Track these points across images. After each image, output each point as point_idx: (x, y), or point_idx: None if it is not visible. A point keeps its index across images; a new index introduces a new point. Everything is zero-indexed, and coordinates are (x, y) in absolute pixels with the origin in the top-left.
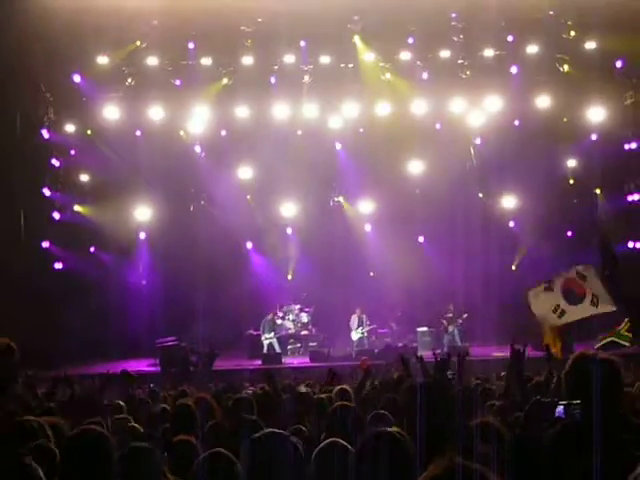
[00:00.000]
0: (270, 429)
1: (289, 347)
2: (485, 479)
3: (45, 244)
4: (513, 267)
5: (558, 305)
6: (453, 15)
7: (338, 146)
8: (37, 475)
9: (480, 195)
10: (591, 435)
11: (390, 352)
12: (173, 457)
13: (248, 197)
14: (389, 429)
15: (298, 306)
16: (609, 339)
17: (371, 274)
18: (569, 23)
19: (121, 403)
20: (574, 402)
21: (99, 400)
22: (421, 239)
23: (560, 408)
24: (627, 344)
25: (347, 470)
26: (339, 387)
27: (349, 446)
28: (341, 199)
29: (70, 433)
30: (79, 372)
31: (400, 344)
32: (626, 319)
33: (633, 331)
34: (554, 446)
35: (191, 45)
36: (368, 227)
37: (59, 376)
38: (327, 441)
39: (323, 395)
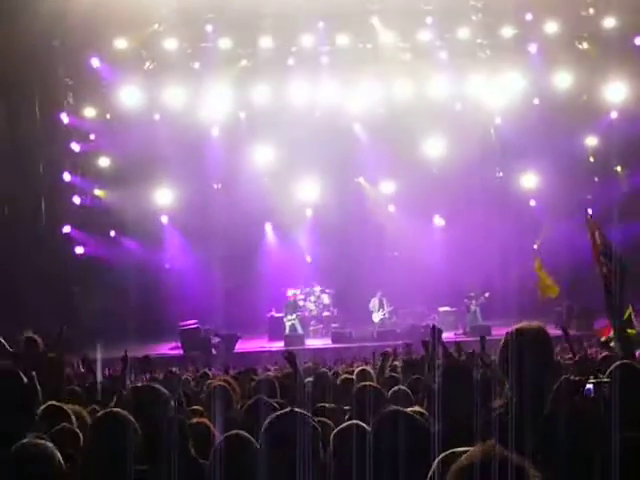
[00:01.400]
0: (288, 408)
1: (311, 328)
2: (522, 472)
3: (66, 229)
4: (535, 246)
5: None
6: None
7: (357, 127)
8: (55, 459)
9: (500, 174)
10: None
11: (414, 332)
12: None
13: (265, 179)
14: (402, 408)
15: (320, 287)
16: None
17: (395, 254)
18: (588, 0)
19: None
20: (604, 380)
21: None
22: (441, 219)
23: (590, 386)
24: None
25: (365, 451)
26: (360, 368)
27: (367, 427)
28: (361, 180)
29: (96, 416)
30: (101, 356)
31: (424, 324)
32: (629, 306)
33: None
34: (582, 423)
35: (209, 27)
36: (391, 208)
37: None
38: (345, 423)
39: (345, 376)
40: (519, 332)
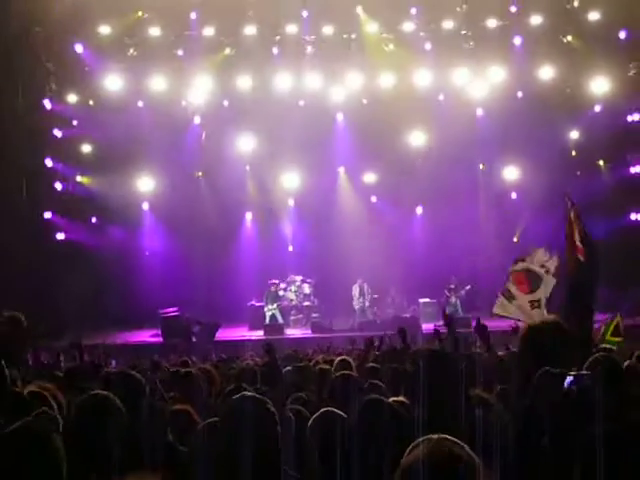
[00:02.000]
0: (242, 393)
1: (291, 318)
2: (471, 467)
3: (47, 215)
4: (515, 239)
5: (532, 301)
6: None
7: (340, 117)
8: (58, 446)
9: (481, 166)
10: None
11: (397, 323)
12: (170, 426)
13: (247, 168)
14: (380, 397)
15: (300, 277)
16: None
17: (375, 245)
18: None
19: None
20: (584, 372)
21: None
22: (422, 210)
23: (570, 378)
24: (614, 348)
25: (342, 438)
26: (340, 358)
27: (344, 415)
28: (342, 170)
29: (80, 399)
30: (82, 342)
31: (407, 315)
32: (617, 315)
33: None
34: (565, 415)
35: (193, 15)
36: (373, 198)
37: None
38: (321, 410)
39: (325, 365)
40: (538, 326)
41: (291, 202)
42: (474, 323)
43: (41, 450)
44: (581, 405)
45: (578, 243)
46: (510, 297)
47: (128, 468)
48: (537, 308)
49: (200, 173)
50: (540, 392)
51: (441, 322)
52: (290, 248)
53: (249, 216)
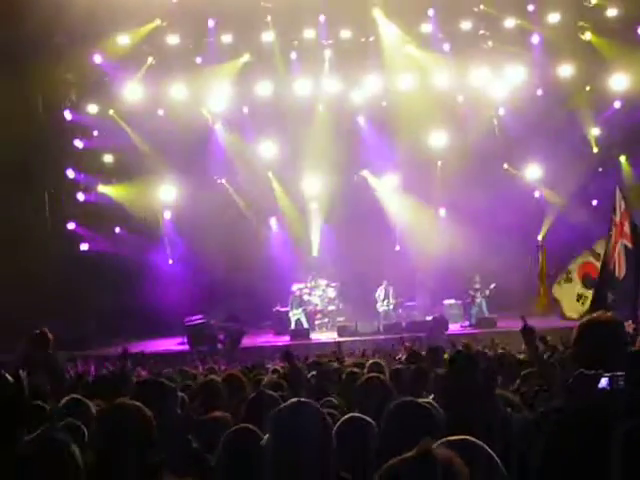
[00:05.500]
0: (297, 398)
1: (317, 322)
2: (451, 473)
3: (70, 225)
4: (539, 237)
5: (580, 294)
6: None
7: (361, 120)
8: (75, 456)
9: (505, 166)
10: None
11: (438, 324)
12: (206, 433)
13: (269, 174)
14: (414, 399)
15: (325, 281)
16: None
17: (397, 248)
18: None
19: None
20: (618, 373)
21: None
22: (442, 212)
23: (605, 379)
24: None
25: (367, 443)
26: (372, 361)
27: (369, 419)
28: (365, 173)
29: (104, 407)
30: (107, 353)
31: (436, 315)
32: None
33: None
34: (598, 417)
35: (211, 22)
36: (396, 200)
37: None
38: (346, 416)
39: (356, 369)
40: (596, 323)
41: (314, 206)
42: (522, 324)
43: (59, 459)
44: (615, 406)
45: (627, 230)
46: (568, 280)
47: (154, 476)
48: (579, 305)
49: (223, 180)
50: (574, 394)
51: (467, 323)
52: (315, 252)
53: (273, 221)
